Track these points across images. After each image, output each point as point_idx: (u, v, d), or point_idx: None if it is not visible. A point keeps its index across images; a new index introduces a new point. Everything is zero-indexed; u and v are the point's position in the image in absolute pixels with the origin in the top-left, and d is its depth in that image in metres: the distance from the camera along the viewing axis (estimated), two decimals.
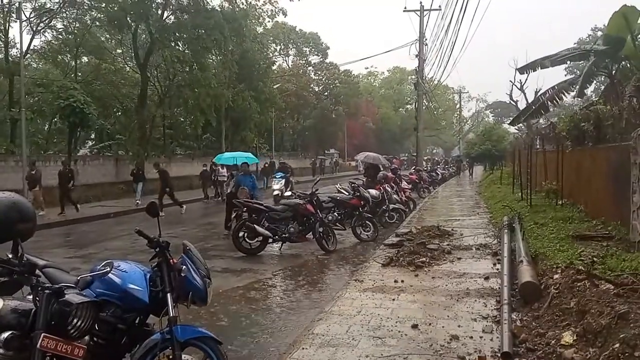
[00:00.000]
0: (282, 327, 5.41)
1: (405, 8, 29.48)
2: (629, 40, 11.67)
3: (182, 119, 34.02)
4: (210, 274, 3.45)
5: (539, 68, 14.80)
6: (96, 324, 2.80)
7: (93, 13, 24.75)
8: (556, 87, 15.05)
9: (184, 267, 3.33)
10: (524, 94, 27.86)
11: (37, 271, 2.82)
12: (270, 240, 9.59)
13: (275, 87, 35.50)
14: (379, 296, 5.86)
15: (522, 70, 16.04)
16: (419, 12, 28.90)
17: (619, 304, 3.95)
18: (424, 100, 31.52)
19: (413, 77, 39.37)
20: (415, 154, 35.54)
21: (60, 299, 2.48)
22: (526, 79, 25.37)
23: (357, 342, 4.42)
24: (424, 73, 29.92)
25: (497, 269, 6.84)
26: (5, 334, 2.36)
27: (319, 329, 4.79)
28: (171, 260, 3.32)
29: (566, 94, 15.03)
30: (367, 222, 10.94)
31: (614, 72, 13.44)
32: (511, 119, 22.97)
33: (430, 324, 4.82)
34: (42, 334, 2.38)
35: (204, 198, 21.61)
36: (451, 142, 74.28)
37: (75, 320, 2.47)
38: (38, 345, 2.37)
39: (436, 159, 55.78)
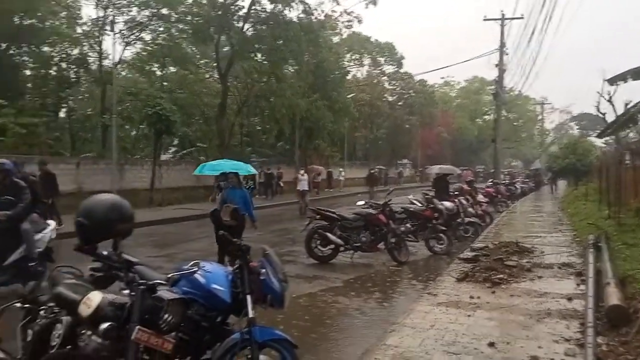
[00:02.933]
0: (353, 336, 5.43)
1: (485, 17, 28.58)
2: None
3: (258, 127, 35.09)
4: (287, 275, 3.56)
5: (630, 79, 13.83)
6: (182, 321, 2.97)
7: (179, 26, 26.24)
8: None
9: (263, 270, 3.47)
10: (613, 105, 26.21)
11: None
12: (342, 248, 9.65)
13: (349, 96, 35.73)
14: (454, 311, 5.73)
15: (611, 81, 15.07)
16: (499, 22, 28.03)
17: None
18: (503, 111, 30.44)
19: (492, 87, 38.11)
20: (493, 166, 34.30)
21: (154, 295, 2.65)
22: (615, 90, 23.87)
23: (431, 356, 4.35)
24: (503, 83, 28.91)
25: (581, 290, 6.46)
26: (104, 325, 2.55)
27: (392, 340, 4.76)
28: (251, 263, 3.47)
29: None
30: (440, 234, 10.72)
31: None
32: (598, 132, 21.64)
33: (508, 343, 4.65)
34: (137, 327, 2.56)
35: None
36: (532, 154, 70.95)
37: (166, 315, 2.63)
38: (133, 337, 2.54)
39: (515, 171, 53.44)
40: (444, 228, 10.99)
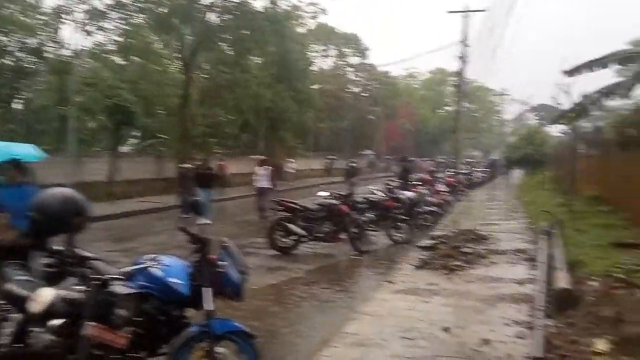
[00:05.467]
0: (314, 325, 5.52)
1: (449, 10, 29.06)
2: None
3: (222, 118, 34.69)
4: (247, 267, 3.59)
5: (587, 70, 14.36)
6: (138, 315, 2.97)
7: (142, 15, 25.55)
8: (603, 90, 14.58)
9: (223, 262, 3.49)
10: (570, 97, 27.07)
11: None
12: (304, 239, 9.72)
13: (314, 87, 35.73)
14: (412, 298, 5.89)
15: (568, 73, 15.61)
16: (463, 14, 28.51)
17: None
18: (465, 102, 31.09)
19: (454, 78, 38.83)
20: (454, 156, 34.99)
21: (107, 290, 2.64)
22: (572, 83, 24.65)
23: (388, 342, 4.48)
24: (465, 75, 29.49)
25: (533, 275, 6.74)
26: (56, 321, 2.53)
27: (351, 328, 4.87)
28: (210, 256, 3.48)
29: (612, 96, 14.52)
30: (401, 224, 10.93)
31: None
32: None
33: (462, 328, 4.83)
34: (89, 323, 2.55)
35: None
36: (491, 145, 72.76)
37: (120, 311, 2.63)
38: (85, 333, 2.54)
39: (475, 161, 54.72)
40: (404, 217, 11.18)
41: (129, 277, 3.19)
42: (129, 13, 24.44)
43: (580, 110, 14.85)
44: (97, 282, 2.64)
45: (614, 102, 16.97)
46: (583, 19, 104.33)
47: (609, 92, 14.27)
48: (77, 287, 2.74)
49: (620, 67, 17.71)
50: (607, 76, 14.77)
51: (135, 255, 8.82)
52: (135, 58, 28.89)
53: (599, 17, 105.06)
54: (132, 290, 2.75)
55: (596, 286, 5.38)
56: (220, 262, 3.48)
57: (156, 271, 3.33)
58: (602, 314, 4.62)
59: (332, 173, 40.72)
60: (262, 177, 15.14)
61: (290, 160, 31.91)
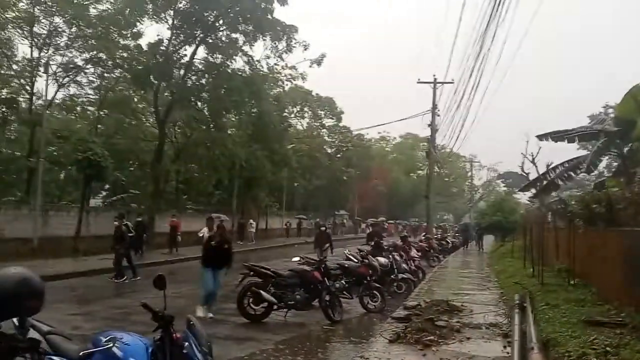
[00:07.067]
0: None
1: (419, 80, 30.20)
2: None
3: (196, 175, 34.55)
4: (212, 348, 3.41)
5: (551, 140, 15.01)
6: None
7: (118, 70, 25.79)
8: (567, 165, 15.18)
9: (187, 343, 3.30)
10: (536, 166, 27.97)
11: (40, 337, 2.80)
12: (276, 307, 9.43)
13: (289, 146, 36.12)
14: None
15: (539, 137, 16.28)
16: (432, 85, 29.66)
17: None
18: (436, 167, 31.79)
19: (425, 144, 39.89)
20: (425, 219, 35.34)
21: None
22: (538, 152, 25.56)
23: None
24: (435, 142, 30.31)
25: (507, 353, 6.61)
26: None
27: None
28: (174, 335, 3.29)
29: (576, 171, 15.12)
30: (374, 292, 10.76)
31: (625, 152, 13.55)
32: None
33: None
34: None
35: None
36: (462, 209, 73.98)
37: None
38: None
39: (446, 225, 55.32)
40: (377, 285, 11.04)
41: (87, 357, 2.98)
42: (106, 66, 24.66)
43: (549, 183, 15.34)
44: None
45: (579, 176, 17.62)
46: (552, 89, 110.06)
47: (573, 167, 14.87)
48: None
49: (583, 142, 18.56)
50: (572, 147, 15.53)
51: (98, 320, 8.44)
52: (109, 112, 28.93)
53: (566, 89, 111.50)
54: None
55: None
56: (184, 343, 3.29)
57: (116, 351, 3.13)
58: None
59: (301, 232, 40.56)
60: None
61: (251, 220, 31.79)
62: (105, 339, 3.13)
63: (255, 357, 7.00)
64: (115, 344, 3.10)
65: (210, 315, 9.23)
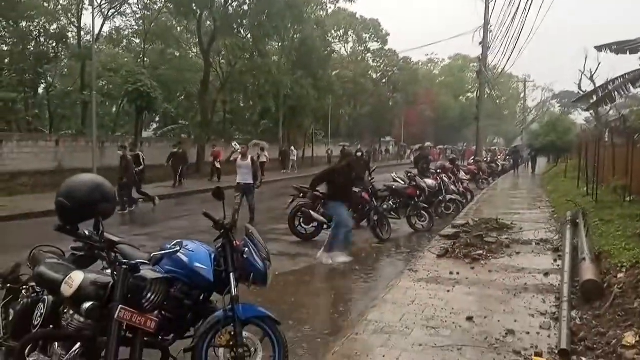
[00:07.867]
0: (335, 312, 5.53)
1: None
2: None
3: (242, 104, 34.78)
4: (270, 254, 3.60)
5: (611, 53, 13.98)
6: (166, 299, 3.00)
7: (160, 0, 25.67)
8: (627, 76, 14.18)
9: (246, 249, 3.52)
10: (594, 83, 26.47)
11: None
12: (325, 226, 9.70)
13: (333, 73, 35.46)
14: (434, 287, 5.85)
15: (597, 49, 15.20)
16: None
17: None
18: (487, 89, 30.56)
19: (475, 64, 38.12)
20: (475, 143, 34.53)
21: (136, 274, 2.67)
22: (597, 68, 24.08)
23: (411, 330, 4.46)
24: (487, 61, 28.92)
25: (558, 266, 6.64)
26: (87, 305, 2.56)
27: (373, 315, 4.87)
28: (234, 242, 3.50)
29: (635, 84, 14.12)
30: (422, 212, 10.86)
31: None
32: (580, 110, 21.95)
33: (485, 317, 4.78)
34: (120, 306, 2.58)
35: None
36: (514, 132, 71.60)
37: (149, 295, 2.66)
38: (115, 316, 2.57)
39: (497, 149, 53.95)
40: (425, 205, 11.12)
41: (156, 262, 3.23)
42: None
43: (604, 95, 14.49)
44: (127, 267, 2.66)
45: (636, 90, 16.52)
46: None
47: (633, 79, 13.89)
48: (107, 272, 2.77)
49: None
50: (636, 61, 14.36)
51: (160, 239, 8.98)
52: (154, 43, 29.06)
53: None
54: (160, 275, 2.77)
55: (623, 278, 5.27)
56: (244, 248, 3.50)
57: (182, 256, 3.38)
58: (630, 306, 4.53)
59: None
60: (244, 171, 11.27)
61: (292, 148, 31.66)
62: (171, 245, 3.37)
63: (308, 271, 7.35)
64: (181, 250, 3.34)
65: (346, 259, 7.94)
